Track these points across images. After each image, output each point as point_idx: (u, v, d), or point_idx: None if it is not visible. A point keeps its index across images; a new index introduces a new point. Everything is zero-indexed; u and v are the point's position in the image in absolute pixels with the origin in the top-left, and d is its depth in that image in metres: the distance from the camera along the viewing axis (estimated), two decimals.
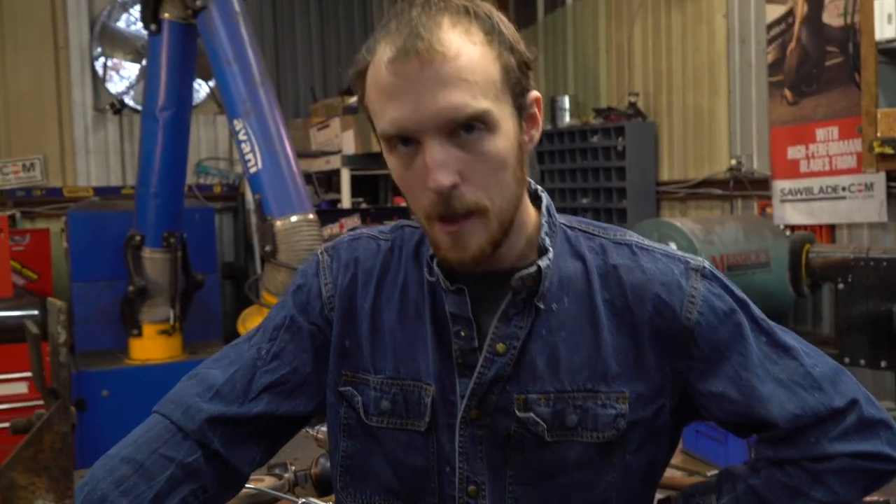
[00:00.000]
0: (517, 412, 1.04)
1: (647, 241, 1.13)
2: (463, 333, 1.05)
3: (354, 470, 1.12)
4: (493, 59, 0.97)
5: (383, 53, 0.96)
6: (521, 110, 1.02)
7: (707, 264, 1.11)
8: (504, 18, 1.01)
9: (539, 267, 1.04)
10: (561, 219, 1.13)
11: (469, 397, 1.04)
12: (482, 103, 0.95)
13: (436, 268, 1.06)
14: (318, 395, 1.15)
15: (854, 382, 1.09)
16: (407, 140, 0.96)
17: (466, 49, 0.95)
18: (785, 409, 1.05)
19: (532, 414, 1.04)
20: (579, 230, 1.12)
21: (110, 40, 5.50)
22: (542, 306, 1.05)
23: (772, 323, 1.10)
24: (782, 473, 1.08)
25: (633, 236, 1.13)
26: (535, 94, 1.04)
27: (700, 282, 1.08)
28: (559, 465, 1.05)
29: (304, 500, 1.60)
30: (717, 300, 1.07)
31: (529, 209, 1.10)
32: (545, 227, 1.08)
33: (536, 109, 1.05)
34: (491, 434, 1.05)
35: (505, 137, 0.98)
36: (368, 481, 1.11)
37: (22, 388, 4.33)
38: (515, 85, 0.99)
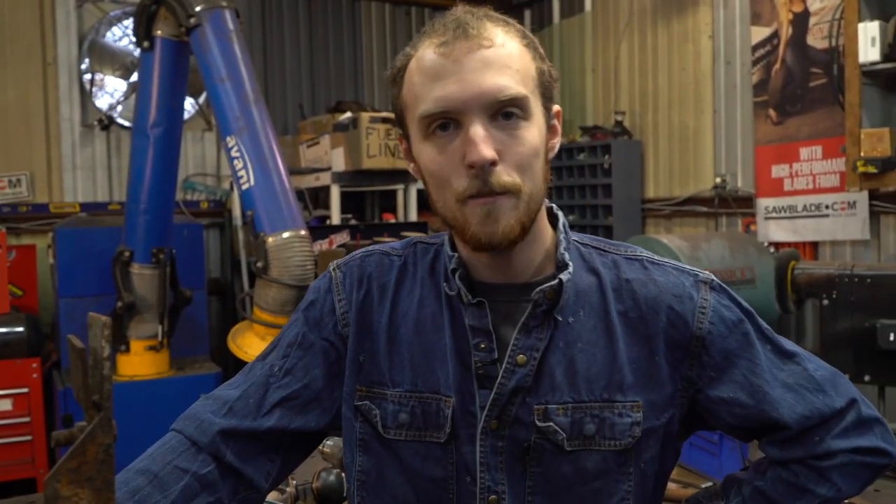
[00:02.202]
0: (537, 422, 1.06)
1: (656, 257, 1.18)
2: (483, 346, 1.07)
3: (370, 485, 1.13)
4: (531, 59, 1.05)
5: (430, 44, 1.03)
6: (548, 116, 1.08)
7: (714, 277, 1.16)
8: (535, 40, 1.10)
9: (560, 280, 1.07)
10: (573, 236, 1.17)
11: (489, 408, 1.06)
12: (523, 90, 1.01)
13: (457, 281, 1.09)
14: (330, 411, 1.16)
15: (850, 384, 1.16)
16: (445, 125, 1.02)
17: (509, 43, 1.03)
18: (795, 411, 1.11)
19: (552, 423, 1.06)
20: (592, 247, 1.17)
21: (99, 56, 5.49)
22: (560, 319, 1.08)
23: (773, 331, 1.16)
24: (788, 473, 1.13)
25: (643, 252, 1.17)
26: (557, 107, 1.11)
27: (710, 293, 1.13)
28: (578, 475, 1.07)
29: None
30: (727, 311, 1.12)
31: (547, 224, 1.14)
32: (563, 243, 1.12)
33: (557, 121, 1.11)
34: (511, 444, 1.07)
35: (537, 129, 1.04)
36: (384, 496, 1.12)
37: (6, 405, 4.29)
38: (546, 89, 1.07)
